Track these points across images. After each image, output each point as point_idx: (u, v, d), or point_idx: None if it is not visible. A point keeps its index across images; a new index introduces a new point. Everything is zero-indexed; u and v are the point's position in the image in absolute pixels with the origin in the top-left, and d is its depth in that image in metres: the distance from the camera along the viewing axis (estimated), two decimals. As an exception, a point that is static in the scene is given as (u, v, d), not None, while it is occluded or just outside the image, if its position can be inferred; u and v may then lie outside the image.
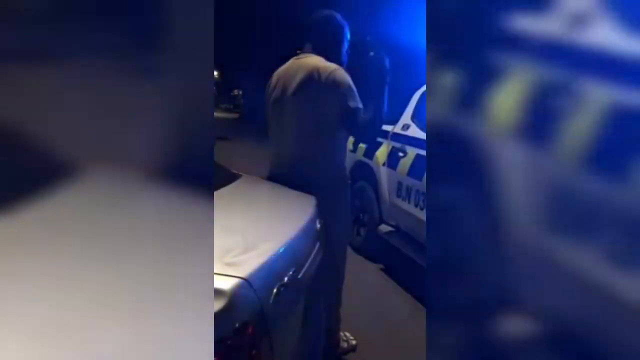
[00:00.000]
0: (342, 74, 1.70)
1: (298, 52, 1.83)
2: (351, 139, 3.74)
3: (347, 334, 2.17)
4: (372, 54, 1.76)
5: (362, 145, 3.56)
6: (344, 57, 1.86)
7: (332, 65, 1.71)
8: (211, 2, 0.99)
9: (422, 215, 2.72)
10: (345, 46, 1.86)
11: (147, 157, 0.99)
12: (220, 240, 0.87)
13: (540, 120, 1.04)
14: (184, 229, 0.86)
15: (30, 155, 0.89)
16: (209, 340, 0.66)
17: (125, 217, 0.86)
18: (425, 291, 1.07)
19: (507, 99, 1.09)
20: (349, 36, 1.87)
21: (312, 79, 1.69)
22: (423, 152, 2.81)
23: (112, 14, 0.97)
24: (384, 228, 3.24)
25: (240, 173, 1.62)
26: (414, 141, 2.99)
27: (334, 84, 1.68)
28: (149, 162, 0.99)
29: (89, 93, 0.94)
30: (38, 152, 0.90)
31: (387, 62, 1.76)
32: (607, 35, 0.98)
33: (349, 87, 1.70)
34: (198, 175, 0.98)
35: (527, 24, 1.10)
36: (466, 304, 1.22)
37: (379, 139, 3.38)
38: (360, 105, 1.73)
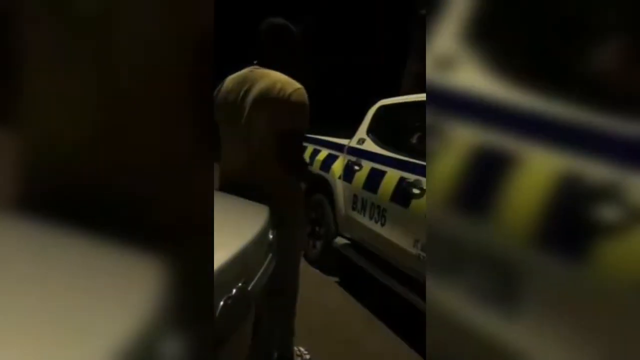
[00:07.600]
0: (305, 94, 1.70)
1: (255, 62, 1.80)
2: (309, 150, 3.75)
3: (302, 348, 2.13)
4: None
5: (319, 158, 3.57)
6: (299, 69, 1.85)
7: (296, 83, 1.70)
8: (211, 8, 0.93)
9: (377, 227, 2.74)
10: (299, 58, 1.85)
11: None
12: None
13: None
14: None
15: None
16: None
17: None
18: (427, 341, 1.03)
19: None
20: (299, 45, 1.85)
21: (275, 91, 1.67)
22: (378, 166, 2.85)
23: None
24: (339, 241, 3.24)
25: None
26: (369, 155, 3.02)
27: (296, 102, 1.67)
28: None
29: None
30: None
31: None
32: (472, 77, 0.99)
33: (308, 108, 1.70)
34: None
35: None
36: None
37: (337, 153, 3.40)
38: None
